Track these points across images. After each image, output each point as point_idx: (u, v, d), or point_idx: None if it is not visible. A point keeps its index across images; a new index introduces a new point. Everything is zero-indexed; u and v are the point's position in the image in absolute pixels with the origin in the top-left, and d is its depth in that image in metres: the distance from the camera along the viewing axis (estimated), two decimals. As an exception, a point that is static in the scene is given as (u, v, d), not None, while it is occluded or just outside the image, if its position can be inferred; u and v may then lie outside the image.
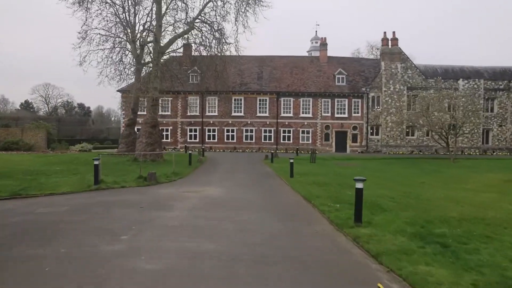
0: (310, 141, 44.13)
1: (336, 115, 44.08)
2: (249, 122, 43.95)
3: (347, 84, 44.84)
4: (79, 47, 29.16)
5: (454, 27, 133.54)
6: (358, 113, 44.19)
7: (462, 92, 42.25)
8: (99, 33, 29.81)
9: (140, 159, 23.93)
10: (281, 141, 44.07)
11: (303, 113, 44.14)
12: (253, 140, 44.02)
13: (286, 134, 44.13)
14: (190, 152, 23.61)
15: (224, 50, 27.92)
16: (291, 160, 18.37)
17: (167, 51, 31.43)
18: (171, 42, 28.08)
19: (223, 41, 27.63)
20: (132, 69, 33.43)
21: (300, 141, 44.02)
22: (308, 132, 44.17)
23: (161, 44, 27.39)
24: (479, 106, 42.78)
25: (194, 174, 18.97)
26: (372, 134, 44.52)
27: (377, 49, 63.46)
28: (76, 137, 67.56)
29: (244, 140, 44.03)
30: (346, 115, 44.10)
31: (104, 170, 18.68)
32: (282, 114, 44.02)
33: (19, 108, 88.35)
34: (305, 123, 44.03)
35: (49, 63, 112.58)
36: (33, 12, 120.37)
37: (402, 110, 44.01)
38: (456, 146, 38.16)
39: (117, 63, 31.42)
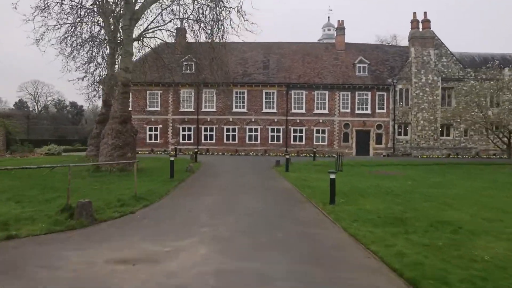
0: (326, 142, 37.10)
1: (357, 111, 37.03)
2: (253, 120, 36.95)
3: (370, 74, 37.80)
4: (33, 19, 22.19)
5: (455, 19, 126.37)
6: (383, 108, 37.15)
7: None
8: (59, 2, 22.83)
9: (104, 168, 16.98)
10: (291, 142, 37.06)
11: (318, 108, 37.10)
12: (258, 141, 37.01)
13: (298, 134, 37.09)
14: (172, 158, 16.55)
15: (223, 18, 20.79)
16: (332, 176, 11.12)
17: (151, 27, 24.46)
18: (149, 2, 20.94)
19: (222, 4, 20.52)
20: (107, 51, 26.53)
21: (314, 142, 36.98)
22: (323, 132, 37.14)
23: (135, 7, 20.33)
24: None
25: (171, 198, 11.85)
26: (399, 134, 37.45)
27: (392, 40, 56.56)
28: (67, 137, 60.95)
29: (247, 141, 37.04)
30: (368, 111, 37.05)
31: (34, 187, 11.86)
32: (293, 110, 36.99)
33: (13, 107, 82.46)
34: (320, 121, 37.01)
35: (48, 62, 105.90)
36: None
37: (436, 106, 36.96)
38: None
39: (84, 43, 24.51)
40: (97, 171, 16.84)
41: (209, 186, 14.41)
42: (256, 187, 14.36)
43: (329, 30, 45.84)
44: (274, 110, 36.98)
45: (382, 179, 18.20)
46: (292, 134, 37.04)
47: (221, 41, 23.34)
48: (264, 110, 36.97)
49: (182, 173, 17.97)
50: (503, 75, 36.48)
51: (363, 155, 36.55)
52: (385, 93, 37.10)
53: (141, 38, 24.16)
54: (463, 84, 37.21)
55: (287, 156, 20.52)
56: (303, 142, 37.01)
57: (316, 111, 36.99)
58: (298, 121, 36.98)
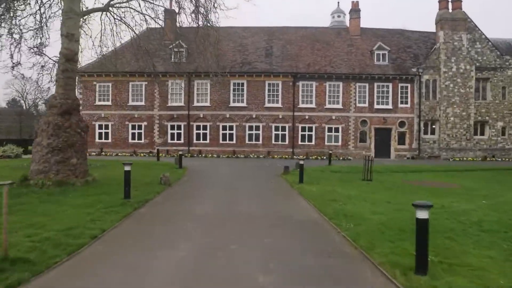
0: (340, 143, 31.56)
1: (376, 106, 31.51)
2: (254, 116, 31.44)
3: (390, 63, 32.27)
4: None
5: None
6: (406, 103, 31.63)
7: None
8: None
9: (34, 182, 11.48)
10: (299, 142, 31.53)
11: (330, 103, 31.58)
12: (260, 141, 31.48)
13: (306, 133, 31.57)
14: (127, 167, 10.77)
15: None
16: (422, 213, 5.34)
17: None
18: None
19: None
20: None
21: (326, 142, 31.47)
22: (336, 130, 31.61)
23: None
24: None
25: (81, 261, 6.37)
26: (425, 132, 31.93)
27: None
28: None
29: (247, 141, 31.52)
30: (389, 106, 31.53)
31: None
32: (301, 105, 31.47)
33: (6, 106, 77.54)
34: (333, 117, 31.48)
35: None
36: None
37: (469, 99, 31.43)
38: None
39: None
40: (25, 185, 11.31)
41: (181, 219, 8.72)
42: (259, 219, 8.73)
43: (339, 16, 40.37)
44: (279, 105, 31.45)
45: (437, 195, 12.65)
46: (300, 132, 31.51)
47: (213, 21, 17.89)
48: (267, 105, 31.45)
49: (150, 188, 12.44)
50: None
51: (383, 157, 31.02)
52: (408, 85, 31.57)
53: (110, 9, 18.65)
54: (501, 74, 31.72)
55: (301, 162, 14.91)
56: (313, 142, 31.48)
57: (328, 106, 31.46)
58: (306, 117, 31.44)
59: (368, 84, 31.45)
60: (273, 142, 31.40)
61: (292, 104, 31.25)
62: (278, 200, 11.36)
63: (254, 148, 31.32)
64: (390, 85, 31.50)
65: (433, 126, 32.00)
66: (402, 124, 31.62)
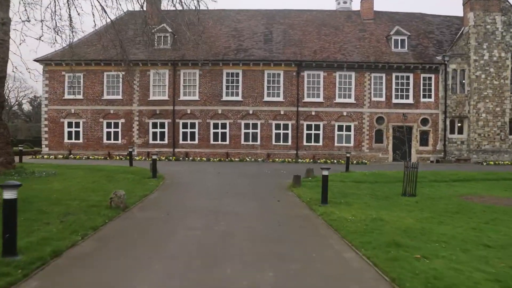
0: (352, 143, 26.86)
1: (394, 100, 26.87)
2: (251, 112, 26.67)
3: (410, 50, 27.64)
4: None
5: None
6: (429, 97, 27.01)
7: None
8: None
9: None
10: (304, 142, 26.78)
11: (340, 96, 26.88)
12: (258, 142, 26.71)
13: (313, 132, 26.83)
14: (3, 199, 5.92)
15: None
16: None
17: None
18: None
19: None
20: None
21: (336, 143, 26.77)
22: (348, 129, 26.90)
23: None
24: None
25: None
26: (452, 131, 27.33)
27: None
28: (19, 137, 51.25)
29: (243, 142, 26.74)
30: (410, 100, 26.89)
31: None
32: (306, 99, 26.75)
33: None
34: (344, 114, 26.78)
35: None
36: None
37: (503, 93, 26.87)
38: None
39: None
40: None
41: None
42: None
43: (345, 2, 35.69)
44: (280, 99, 26.70)
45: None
46: (305, 131, 26.77)
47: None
48: (266, 99, 26.69)
49: (86, 218, 7.62)
50: None
51: (403, 161, 26.31)
52: (432, 76, 26.95)
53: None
54: (539, 63, 27.13)
55: (325, 173, 10.06)
56: (320, 143, 26.75)
57: (338, 100, 26.75)
58: (313, 113, 26.72)
59: (385, 75, 26.79)
60: (274, 142, 26.63)
61: (296, 98, 26.50)
62: (299, 247, 6.48)
63: (251, 150, 26.54)
64: (411, 75, 26.86)
65: (459, 124, 27.38)
66: (424, 121, 26.99)
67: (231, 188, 13.27)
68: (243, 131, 26.69)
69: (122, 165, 19.37)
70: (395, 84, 26.85)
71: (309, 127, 26.73)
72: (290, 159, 25.64)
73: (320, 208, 9.38)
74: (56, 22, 16.06)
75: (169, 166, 20.58)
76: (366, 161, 25.61)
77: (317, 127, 26.72)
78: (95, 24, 22.87)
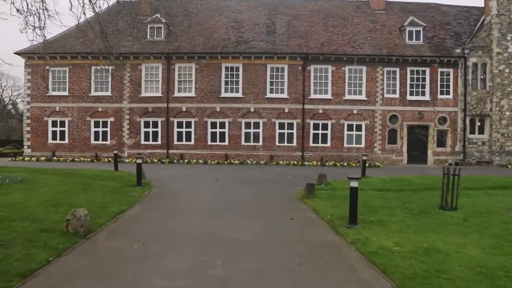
0: (363, 144, 24.54)
1: (409, 97, 24.57)
2: (252, 110, 24.37)
3: (426, 42, 25.35)
4: None
5: None
6: (447, 93, 24.71)
7: None
8: None
9: None
10: (311, 143, 24.46)
11: (350, 92, 24.57)
12: (260, 143, 24.40)
13: (320, 132, 24.52)
14: None
15: None
16: None
17: None
18: None
19: None
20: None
21: (345, 144, 24.46)
22: (359, 128, 24.60)
23: None
24: None
25: None
26: (472, 131, 25.02)
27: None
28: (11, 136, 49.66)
29: (243, 142, 24.43)
30: (427, 97, 24.59)
31: None
32: (313, 95, 24.45)
33: None
34: (354, 112, 24.46)
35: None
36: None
37: (528, 89, 24.58)
38: None
39: None
40: None
41: None
42: None
43: (351, -6, 33.30)
44: (284, 95, 24.40)
45: None
46: (312, 131, 24.47)
47: None
48: (269, 95, 24.39)
49: (24, 256, 5.32)
50: None
51: (418, 163, 24.13)
52: (451, 70, 24.65)
53: None
54: None
55: (354, 184, 7.76)
56: (328, 144, 24.44)
57: (348, 97, 24.45)
58: (320, 111, 24.41)
59: (399, 69, 24.48)
60: (277, 143, 24.32)
61: (302, 94, 24.19)
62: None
63: (252, 152, 24.22)
64: (427, 70, 24.55)
65: (480, 123, 25.07)
66: (442, 120, 24.68)
67: (230, 200, 10.97)
68: (243, 130, 24.37)
69: (107, 169, 17.05)
70: (410, 80, 24.55)
71: (316, 127, 24.41)
72: (295, 162, 23.33)
73: (350, 232, 7.10)
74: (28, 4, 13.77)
75: (161, 170, 18.28)
76: (379, 164, 23.31)
77: (324, 127, 24.41)
78: (79, 16, 20.67)
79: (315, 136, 24.40)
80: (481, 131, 25.06)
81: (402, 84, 24.48)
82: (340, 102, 24.34)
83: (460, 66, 24.60)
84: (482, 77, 24.97)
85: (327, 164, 22.96)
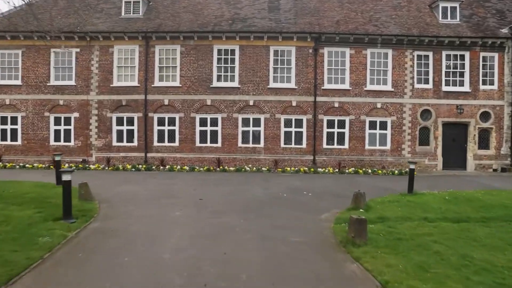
0: (389, 146, 19.98)
1: (444, 88, 20.05)
2: (251, 103, 19.69)
3: (464, 21, 20.87)
4: None
5: None
6: (491, 83, 20.26)
7: None
8: None
9: None
10: (324, 145, 19.84)
11: (373, 82, 20.02)
12: (261, 144, 19.74)
13: (336, 130, 19.91)
14: None
15: None
16: None
17: None
18: None
19: None
20: None
21: (367, 145, 19.88)
22: (383, 126, 20.03)
23: None
24: None
25: None
26: (520, 129, 20.61)
27: None
28: None
29: (240, 144, 19.76)
30: (466, 88, 20.10)
31: None
32: (327, 85, 19.83)
33: None
34: (378, 105, 19.91)
35: None
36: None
37: None
38: None
39: None
40: None
41: None
42: None
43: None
44: (292, 85, 19.77)
45: None
46: (326, 129, 19.87)
47: None
48: (273, 85, 19.74)
49: None
50: None
51: (456, 169, 19.68)
52: (495, 55, 20.19)
53: None
54: None
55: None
56: (346, 146, 19.86)
57: (369, 87, 19.89)
58: (336, 105, 19.81)
59: (432, 53, 19.96)
60: (283, 145, 19.69)
61: (313, 83, 19.59)
62: None
63: (251, 155, 19.58)
64: (467, 54, 20.07)
65: (528, 120, 20.66)
66: (485, 116, 20.22)
67: (216, 255, 6.26)
68: (240, 129, 19.71)
69: (48, 182, 12.27)
70: (445, 66, 20.04)
71: (330, 124, 19.81)
72: (305, 168, 18.73)
73: None
74: None
75: (125, 184, 13.56)
76: (416, 172, 18.70)
77: (341, 124, 19.82)
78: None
79: (330, 135, 19.79)
80: (532, 130, 20.62)
81: (436, 72, 19.96)
82: (361, 93, 19.75)
83: (507, 49, 20.14)
84: (533, 63, 20.52)
85: (347, 171, 18.36)
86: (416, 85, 19.94)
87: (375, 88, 19.80)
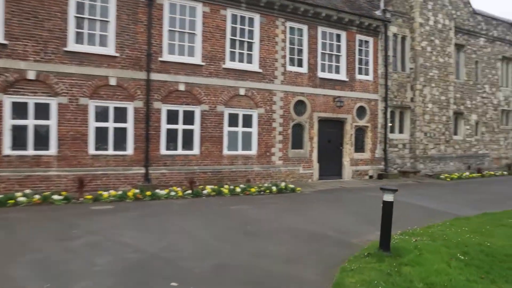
0: (254, 149, 14.55)
1: (320, 74, 15.95)
2: (31, 76, 11.12)
3: (337, -6, 17.32)
4: None
5: None
6: (367, 73, 17.30)
7: None
8: None
9: None
10: (163, 150, 12.95)
11: (233, 57, 14.23)
12: (52, 149, 11.42)
13: (181, 127, 13.28)
14: None
15: None
16: None
17: None
18: None
19: None
20: None
21: (225, 150, 13.95)
22: (247, 121, 14.50)
23: None
24: None
25: None
26: (392, 129, 18.34)
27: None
28: None
29: (6, 151, 10.92)
30: (343, 76, 16.52)
31: None
32: (167, 56, 12.99)
33: None
34: (241, 92, 14.26)
35: None
36: None
37: (448, 75, 19.53)
38: None
39: None
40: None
41: None
42: None
43: None
44: (109, 50, 12.15)
45: None
46: (166, 125, 12.98)
47: None
48: (74, 47, 11.69)
49: None
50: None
51: (332, 177, 15.93)
52: (370, 39, 17.28)
53: None
54: (474, 41, 21.10)
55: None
56: (196, 150, 13.48)
57: (230, 64, 14.02)
58: (181, 87, 13.19)
59: (307, 27, 15.57)
60: (92, 151, 11.86)
61: (146, 51, 12.48)
62: None
63: (32, 171, 11.08)
64: (344, 35, 16.50)
65: (402, 118, 18.66)
66: (361, 111, 17.09)
67: None
68: (7, 121, 10.95)
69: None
70: (321, 46, 15.96)
71: (173, 117, 13.09)
72: (136, 190, 11.44)
73: None
74: None
75: None
76: (281, 182, 13.62)
77: (189, 117, 13.36)
78: None
79: (172, 135, 13.07)
80: (401, 130, 18.67)
81: (311, 52, 15.66)
82: (218, 72, 13.72)
83: (380, 36, 17.48)
84: (401, 55, 18.56)
85: (203, 192, 11.96)
86: (289, 67, 15.18)
87: (238, 67, 14.09)
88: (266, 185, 13.05)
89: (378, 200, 11.33)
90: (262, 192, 12.31)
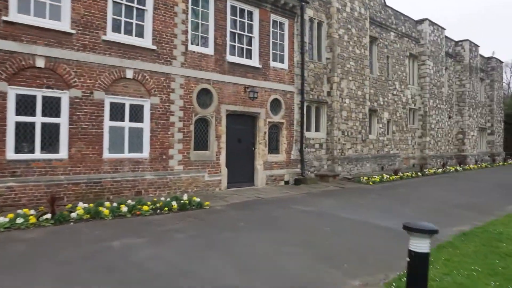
0: (146, 152, 11.46)
1: (229, 58, 13.47)
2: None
3: (249, -34, 15.04)
4: None
5: None
6: (281, 60, 15.37)
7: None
8: None
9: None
10: (11, 153, 9.16)
11: (116, 27, 10.93)
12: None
13: (40, 119, 9.60)
14: None
15: None
16: None
17: None
18: None
19: None
20: None
21: (107, 153, 10.63)
22: (137, 114, 11.38)
23: None
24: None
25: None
26: (308, 127, 16.71)
27: None
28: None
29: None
30: (255, 63, 14.28)
31: None
32: (16, 16, 9.17)
33: None
34: (128, 74, 11.03)
35: None
36: None
37: (364, 69, 18.71)
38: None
39: None
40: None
41: None
42: None
43: None
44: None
45: None
46: (15, 117, 9.21)
47: None
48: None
49: None
50: (421, 33, 23.02)
51: (243, 184, 13.68)
52: (286, 22, 15.41)
53: None
54: (386, 35, 20.97)
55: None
56: (62, 154, 9.93)
57: (113, 36, 10.71)
58: (40, 63, 9.51)
59: (214, 1, 12.96)
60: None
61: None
62: None
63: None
64: (256, 13, 14.32)
65: (318, 114, 17.17)
66: (276, 105, 15.08)
67: None
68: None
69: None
70: (231, 24, 13.51)
71: (27, 105, 9.37)
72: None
73: None
74: None
75: None
76: (183, 194, 10.82)
77: (51, 106, 9.76)
78: None
79: (26, 131, 9.36)
80: (318, 127, 17.20)
81: (218, 30, 13.09)
82: (95, 45, 10.32)
83: (296, 18, 15.72)
84: (318, 43, 17.11)
85: (72, 215, 8.49)
86: (192, 47, 12.40)
87: (124, 40, 10.86)
88: (163, 199, 10.08)
89: (315, 218, 9.07)
90: (159, 211, 9.31)
